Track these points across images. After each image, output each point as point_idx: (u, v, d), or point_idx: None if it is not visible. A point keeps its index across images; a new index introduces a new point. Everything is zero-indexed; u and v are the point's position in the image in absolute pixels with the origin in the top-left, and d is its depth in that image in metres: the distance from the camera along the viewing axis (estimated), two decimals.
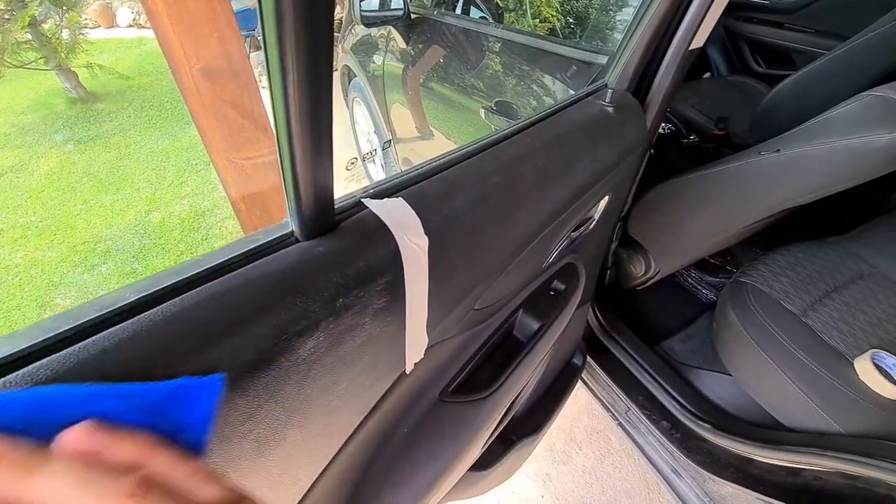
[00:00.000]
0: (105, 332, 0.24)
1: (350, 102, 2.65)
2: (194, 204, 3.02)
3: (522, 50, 1.35)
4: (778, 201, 0.93)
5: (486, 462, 0.84)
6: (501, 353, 0.73)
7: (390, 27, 1.72)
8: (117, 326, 0.25)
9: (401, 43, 1.76)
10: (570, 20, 1.53)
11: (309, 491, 0.47)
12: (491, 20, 1.66)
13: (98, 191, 3.21)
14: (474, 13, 1.83)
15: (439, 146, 1.78)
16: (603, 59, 1.16)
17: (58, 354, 0.23)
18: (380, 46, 1.93)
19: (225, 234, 2.74)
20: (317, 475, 0.47)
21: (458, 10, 1.70)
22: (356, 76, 2.32)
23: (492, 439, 0.80)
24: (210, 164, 3.34)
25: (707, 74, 2.16)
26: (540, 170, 0.57)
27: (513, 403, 0.82)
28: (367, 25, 1.59)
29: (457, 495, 0.82)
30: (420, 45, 1.76)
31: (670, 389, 1.18)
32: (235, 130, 0.69)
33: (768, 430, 1.01)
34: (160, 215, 2.94)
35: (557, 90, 1.28)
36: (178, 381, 0.24)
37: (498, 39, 1.46)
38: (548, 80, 1.27)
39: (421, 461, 0.60)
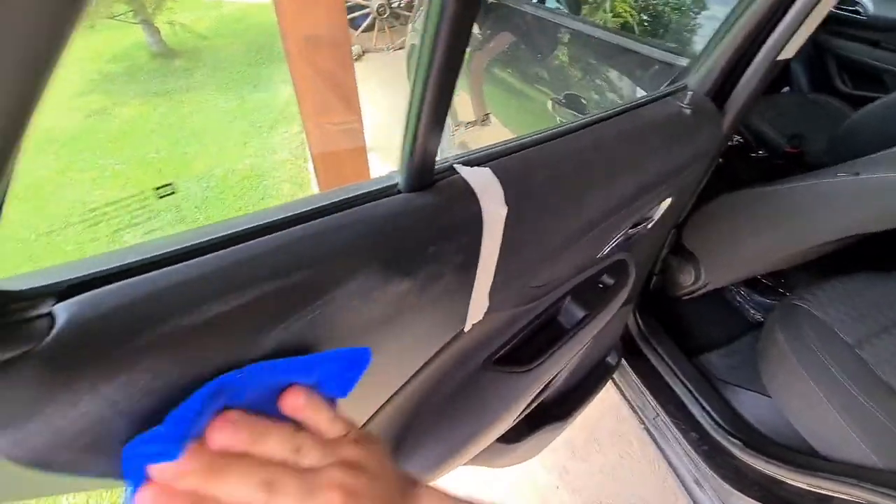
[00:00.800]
0: (221, 252, 0.28)
1: (412, 81, 2.69)
2: (255, 164, 3.17)
3: (596, 44, 1.34)
4: (849, 226, 0.90)
5: (513, 437, 0.88)
6: (545, 334, 0.76)
7: None
8: (230, 249, 0.29)
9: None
10: (646, 18, 1.49)
11: (364, 426, 0.52)
12: (567, 11, 1.65)
13: (170, 142, 3.42)
14: (550, 2, 1.82)
15: (496, 134, 1.80)
16: (679, 61, 1.14)
17: (181, 265, 0.27)
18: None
19: (281, 196, 2.87)
20: (371, 414, 0.52)
21: None
22: None
23: (523, 415, 0.84)
24: (271, 129, 3.49)
25: (786, 89, 2.06)
26: (610, 162, 0.59)
27: (546, 386, 0.85)
28: None
29: (481, 462, 0.86)
30: (490, 30, 1.77)
31: (704, 402, 1.17)
32: (327, 97, 0.74)
33: (802, 455, 0.99)
34: (223, 171, 3.11)
35: (626, 87, 1.27)
36: (339, 351, 0.32)
37: (571, 31, 1.45)
38: (619, 77, 1.26)
39: (460, 420, 0.64)
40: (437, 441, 0.62)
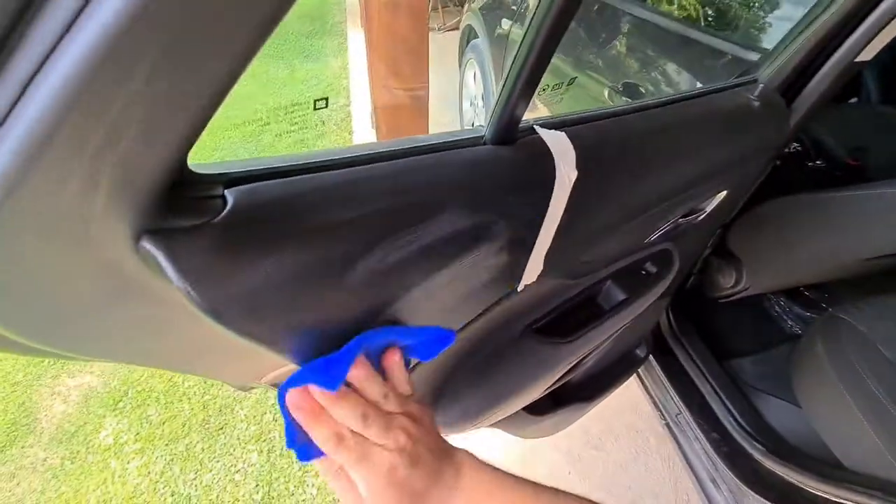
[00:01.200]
0: (348, 170, 0.33)
1: (464, 64, 2.69)
2: (300, 136, 3.26)
3: (658, 33, 1.32)
4: None
5: (540, 410, 0.91)
6: (584, 312, 0.78)
7: None
8: (354, 168, 0.33)
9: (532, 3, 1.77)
10: (711, 13, 1.45)
11: (411, 370, 0.56)
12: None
13: (224, 108, 3.54)
14: None
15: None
16: (747, 55, 1.12)
17: (322, 174, 0.32)
18: (512, 8, 1.93)
19: None
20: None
21: None
22: (477, 38, 2.35)
23: (552, 388, 0.86)
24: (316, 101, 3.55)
25: (854, 100, 1.96)
26: (673, 145, 0.60)
27: (578, 363, 0.88)
28: None
29: (510, 429, 0.90)
30: None
31: (729, 405, 1.17)
32: (399, 62, 0.77)
33: (828, 466, 0.98)
34: (270, 137, 3.21)
35: (686, 80, 1.25)
36: (432, 328, 0.41)
37: (635, 18, 1.43)
38: (680, 68, 1.24)
39: (496, 379, 0.67)
40: (473, 395, 0.65)
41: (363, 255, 0.33)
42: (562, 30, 0.36)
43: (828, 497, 0.92)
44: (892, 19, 0.75)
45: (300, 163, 0.31)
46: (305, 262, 0.30)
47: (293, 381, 0.32)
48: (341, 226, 0.31)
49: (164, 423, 1.62)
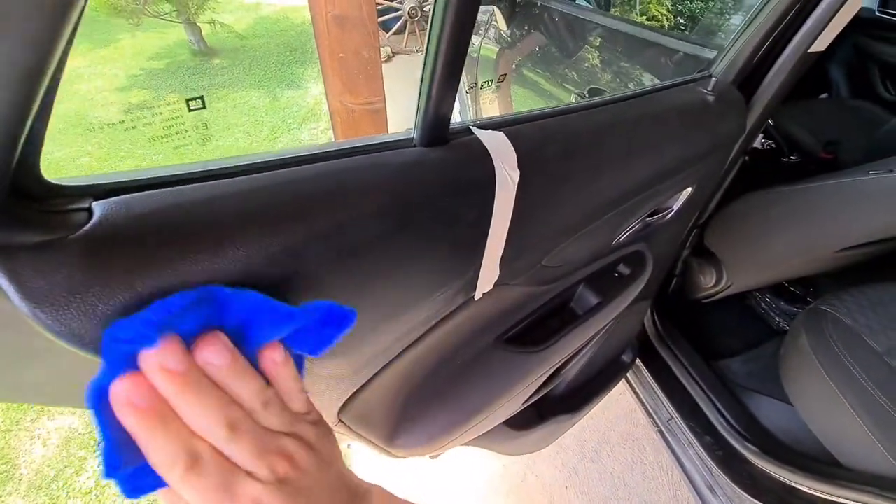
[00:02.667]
0: (243, 178, 0.30)
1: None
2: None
3: (621, 38, 1.33)
4: (881, 227, 0.87)
5: (523, 424, 0.88)
6: (557, 319, 0.76)
7: (494, 7, 1.76)
8: (251, 176, 0.31)
9: (502, 24, 1.80)
10: (681, 21, 1.48)
11: (367, 383, 0.54)
12: (593, 7, 1.65)
13: (203, 137, 3.56)
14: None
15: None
16: (706, 53, 1.13)
17: (206, 183, 0.29)
18: (480, 27, 1.97)
19: None
20: (377, 371, 0.53)
21: None
22: None
23: (532, 400, 0.84)
24: (301, 125, 3.58)
25: (824, 95, 2.00)
26: (627, 142, 0.59)
27: (556, 373, 0.85)
28: None
29: (490, 445, 0.86)
30: (519, 30, 1.78)
31: (720, 406, 1.14)
32: (353, 76, 0.76)
33: (822, 464, 0.95)
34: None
35: (651, 81, 1.25)
36: (323, 304, 0.29)
37: (598, 27, 1.44)
38: (644, 70, 1.25)
39: (466, 393, 0.65)
40: (440, 412, 0.63)
41: (265, 269, 0.30)
42: (472, 14, 0.34)
43: (823, 496, 0.89)
44: (839, 9, 0.76)
45: (194, 171, 0.29)
46: (187, 281, 0.27)
47: (111, 368, 0.22)
48: (240, 239, 0.29)
49: None
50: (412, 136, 0.39)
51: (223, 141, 3.46)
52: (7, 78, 0.17)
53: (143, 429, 0.22)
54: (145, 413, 0.22)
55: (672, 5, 1.39)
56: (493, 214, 0.43)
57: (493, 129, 0.43)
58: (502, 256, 0.50)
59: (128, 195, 0.26)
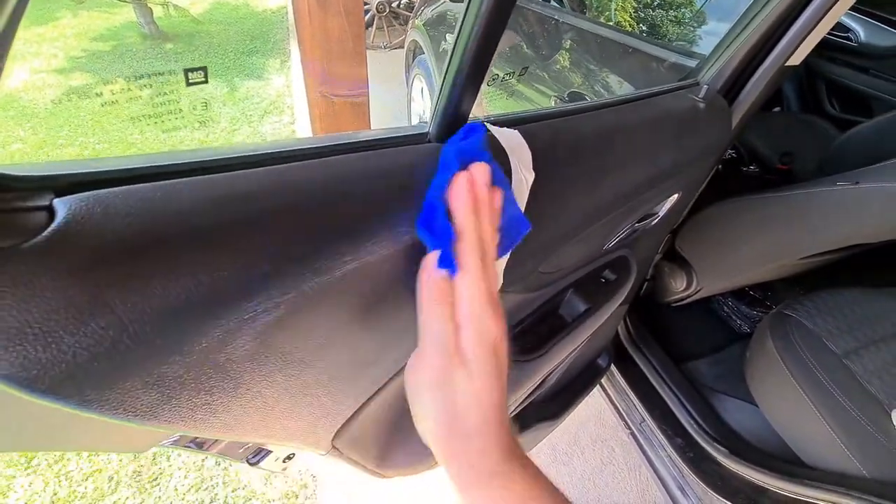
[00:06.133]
0: (244, 173, 0.26)
1: (411, 79, 2.68)
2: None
3: (600, 43, 1.34)
4: (845, 236, 0.91)
5: None
6: (546, 326, 0.74)
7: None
8: (255, 171, 0.26)
9: None
10: (644, 28, 1.51)
11: (362, 407, 0.49)
12: (570, 10, 1.65)
13: (156, 125, 3.32)
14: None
15: None
16: (685, 62, 1.15)
17: (215, 176, 0.25)
18: (455, 24, 1.94)
19: None
20: (373, 393, 0.49)
21: None
22: (423, 53, 2.35)
23: (517, 410, 0.81)
24: (262, 118, 3.42)
25: (777, 109, 2.11)
26: (628, 145, 0.58)
27: (543, 381, 0.83)
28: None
29: None
30: None
31: (691, 409, 1.17)
32: (334, 66, 0.71)
33: (788, 464, 0.99)
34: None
35: (630, 87, 1.27)
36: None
37: (574, 28, 1.45)
38: (624, 76, 1.27)
39: None
40: None
41: (274, 275, 0.26)
42: (506, 13, 0.32)
43: (791, 496, 0.92)
44: (816, 25, 0.78)
45: (180, 162, 0.23)
46: (181, 295, 0.22)
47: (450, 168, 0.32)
48: (239, 243, 0.24)
49: (87, 479, 1.43)
50: (427, 130, 0.36)
51: (175, 133, 3.25)
52: None
53: (467, 213, 0.31)
54: (474, 201, 0.31)
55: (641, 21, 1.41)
56: None
57: (507, 126, 0.40)
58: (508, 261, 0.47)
59: (102, 190, 0.20)
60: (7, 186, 0.18)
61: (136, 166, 0.22)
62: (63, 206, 0.19)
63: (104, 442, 0.35)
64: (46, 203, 0.19)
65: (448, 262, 0.31)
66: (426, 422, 0.31)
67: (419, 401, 0.31)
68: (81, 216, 0.19)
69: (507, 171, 0.38)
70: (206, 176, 0.24)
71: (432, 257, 0.31)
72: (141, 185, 0.22)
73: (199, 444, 0.39)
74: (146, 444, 0.35)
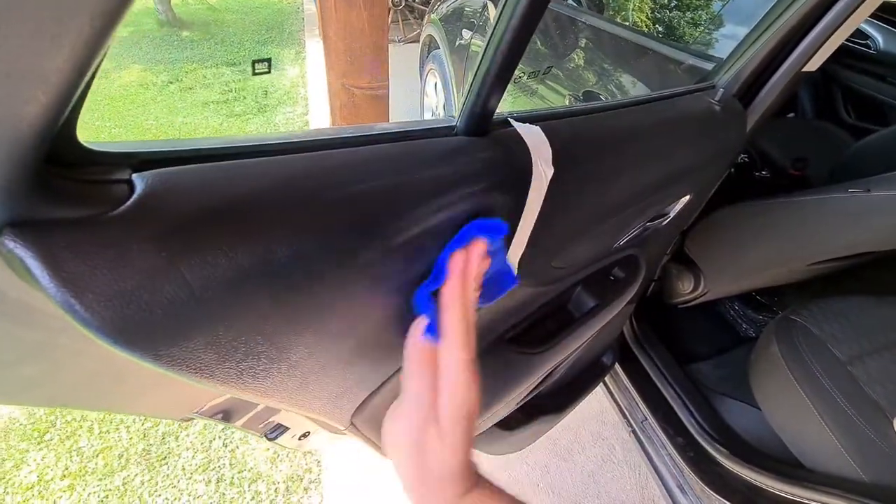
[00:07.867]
0: (290, 157, 0.28)
1: (425, 74, 2.69)
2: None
3: (616, 43, 1.35)
4: (856, 243, 0.92)
5: (510, 424, 0.87)
6: (555, 321, 0.76)
7: (488, 0, 1.74)
8: (297, 156, 0.28)
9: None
10: (661, 29, 1.51)
11: (380, 387, 0.51)
12: (588, 10, 1.66)
13: (170, 111, 3.36)
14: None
15: None
16: (702, 64, 1.15)
17: (258, 160, 0.27)
18: (473, 19, 1.94)
19: None
20: (387, 376, 0.51)
21: None
22: (438, 48, 2.35)
23: (523, 401, 0.83)
24: (275, 108, 3.44)
25: (791, 114, 2.10)
26: (644, 145, 0.59)
27: (551, 373, 0.85)
28: None
29: (480, 447, 0.85)
30: None
31: (693, 409, 1.18)
32: (357, 58, 0.73)
33: (788, 466, 1.00)
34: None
35: (644, 88, 1.28)
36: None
37: (590, 28, 1.45)
38: (639, 77, 1.27)
39: None
40: None
41: (320, 255, 0.28)
42: (538, 15, 0.33)
43: (789, 497, 0.93)
44: (833, 33, 0.79)
45: (237, 145, 0.25)
46: (242, 266, 0.24)
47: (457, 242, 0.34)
48: (291, 222, 0.26)
49: (97, 456, 1.46)
50: (454, 123, 0.37)
51: (190, 119, 3.28)
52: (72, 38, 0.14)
53: (457, 294, 0.33)
54: (468, 279, 0.34)
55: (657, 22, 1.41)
56: (524, 211, 0.42)
57: (529, 122, 0.42)
58: (521, 256, 0.49)
59: (174, 168, 0.22)
60: (94, 160, 0.20)
61: (202, 147, 0.24)
62: (141, 181, 0.21)
63: (144, 406, 0.37)
64: (126, 177, 0.21)
65: (433, 331, 0.34)
66: (398, 464, 0.35)
67: (394, 446, 0.35)
68: (158, 190, 0.21)
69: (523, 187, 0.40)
70: (264, 158, 0.26)
71: (420, 323, 0.35)
72: (213, 163, 0.24)
73: (227, 417, 0.41)
74: (180, 413, 0.38)
